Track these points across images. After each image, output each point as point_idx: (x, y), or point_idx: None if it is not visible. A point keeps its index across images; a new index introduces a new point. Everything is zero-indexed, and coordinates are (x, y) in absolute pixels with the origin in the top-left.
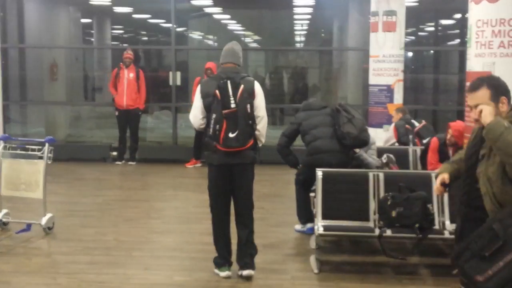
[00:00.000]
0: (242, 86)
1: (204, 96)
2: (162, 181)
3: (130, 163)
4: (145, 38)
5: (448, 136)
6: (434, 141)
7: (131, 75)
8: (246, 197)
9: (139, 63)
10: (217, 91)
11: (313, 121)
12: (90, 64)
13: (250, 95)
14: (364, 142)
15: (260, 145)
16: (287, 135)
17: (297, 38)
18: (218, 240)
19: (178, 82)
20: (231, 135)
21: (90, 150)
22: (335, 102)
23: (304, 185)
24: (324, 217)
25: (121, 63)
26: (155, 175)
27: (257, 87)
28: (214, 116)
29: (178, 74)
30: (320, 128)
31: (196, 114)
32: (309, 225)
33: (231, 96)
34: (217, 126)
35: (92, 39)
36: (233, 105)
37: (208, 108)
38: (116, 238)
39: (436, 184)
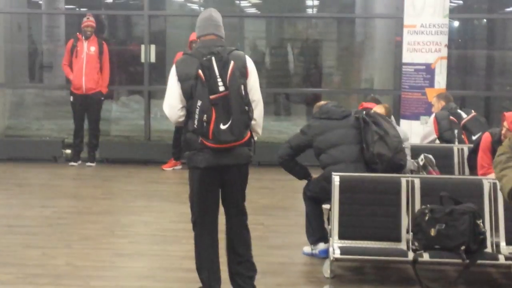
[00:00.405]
0: (232, 63)
1: (182, 78)
2: (131, 188)
3: (88, 164)
4: (110, 1)
5: (504, 131)
6: (486, 137)
7: (92, 48)
8: (241, 208)
9: (103, 34)
10: (200, 72)
11: (332, 136)
12: (37, 35)
13: (242, 74)
14: (400, 166)
15: (255, 138)
16: (293, 147)
17: (309, 2)
18: (203, 265)
19: (153, 59)
20: (222, 126)
21: (36, 147)
22: (358, 86)
23: (315, 198)
24: (342, 236)
25: (78, 33)
26: (122, 181)
27: (250, 63)
28: (199, 103)
29: (153, 48)
30: (341, 147)
31: (172, 104)
32: (321, 246)
33: (218, 76)
34: (205, 116)
35: (40, 2)
36: (221, 88)
37: (188, 95)
38: (70, 262)
39: None
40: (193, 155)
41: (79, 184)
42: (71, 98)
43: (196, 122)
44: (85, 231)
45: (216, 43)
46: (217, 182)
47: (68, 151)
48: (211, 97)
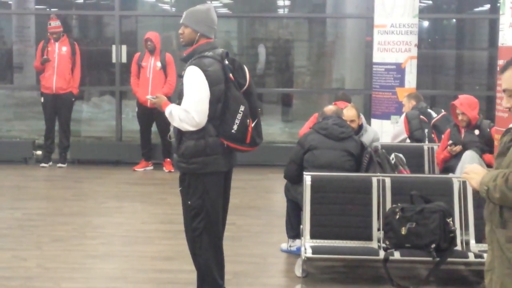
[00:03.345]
0: (245, 67)
1: (214, 82)
2: (102, 189)
3: (59, 165)
4: (80, 1)
5: (460, 117)
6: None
7: (64, 48)
8: (227, 208)
9: (71, 34)
10: (231, 75)
11: (322, 157)
12: (7, 35)
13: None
14: None
15: None
16: (295, 160)
17: (280, 2)
18: (219, 273)
19: (124, 59)
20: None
21: (6, 149)
22: (329, 85)
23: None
24: (314, 236)
25: (49, 34)
26: (93, 182)
27: None
28: (242, 108)
29: (124, 48)
30: (327, 171)
31: (204, 109)
32: (298, 243)
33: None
34: (248, 121)
35: (10, 2)
36: None
37: (217, 99)
38: (40, 264)
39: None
40: (215, 159)
41: (50, 185)
42: (42, 99)
43: (236, 126)
44: (56, 233)
45: (217, 46)
46: None
47: (39, 152)
48: None
